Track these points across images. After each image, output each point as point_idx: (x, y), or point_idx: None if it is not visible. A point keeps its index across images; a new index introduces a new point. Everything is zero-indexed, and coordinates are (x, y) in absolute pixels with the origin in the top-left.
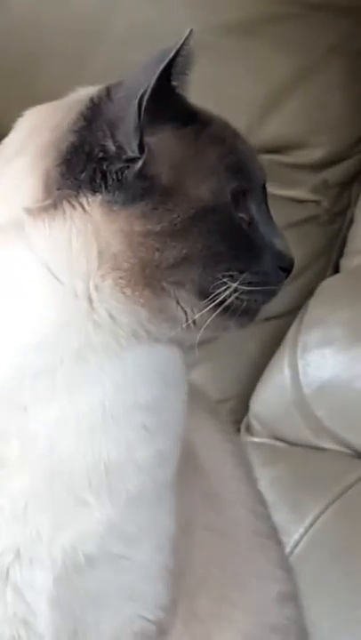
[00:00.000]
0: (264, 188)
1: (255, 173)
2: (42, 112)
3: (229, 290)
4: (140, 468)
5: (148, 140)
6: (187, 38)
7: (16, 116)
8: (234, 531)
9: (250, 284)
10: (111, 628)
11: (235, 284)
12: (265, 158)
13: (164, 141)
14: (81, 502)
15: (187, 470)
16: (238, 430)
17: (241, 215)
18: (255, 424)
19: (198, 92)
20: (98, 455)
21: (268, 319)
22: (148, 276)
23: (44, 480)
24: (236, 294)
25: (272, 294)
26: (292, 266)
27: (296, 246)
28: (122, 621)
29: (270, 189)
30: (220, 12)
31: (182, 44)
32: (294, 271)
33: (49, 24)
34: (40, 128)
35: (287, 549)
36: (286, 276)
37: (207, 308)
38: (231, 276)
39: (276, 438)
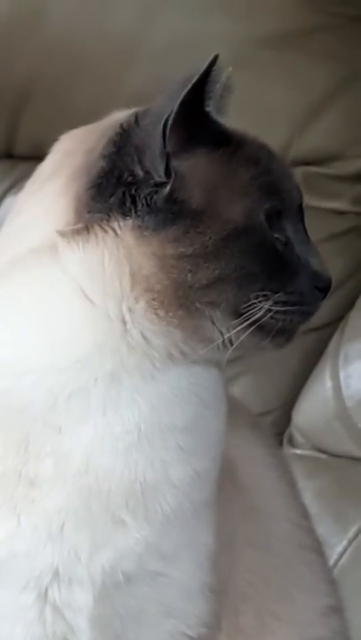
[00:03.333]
0: (301, 208)
1: (290, 194)
2: (76, 136)
3: (263, 310)
4: (176, 487)
5: (179, 164)
6: (211, 64)
7: (54, 137)
8: (277, 545)
9: (285, 303)
10: None
11: (268, 304)
12: (305, 170)
13: (195, 165)
14: (119, 522)
15: (227, 486)
16: (281, 442)
17: (276, 235)
18: (298, 436)
19: (239, 104)
20: (134, 476)
21: (309, 331)
22: (182, 297)
23: (81, 500)
24: (271, 314)
25: (308, 314)
26: (329, 285)
27: (337, 257)
28: (163, 638)
29: (311, 201)
30: (259, 25)
31: (206, 70)
32: (335, 283)
33: (86, 42)
34: (74, 152)
35: (331, 561)
36: (323, 297)
37: (241, 328)
38: (265, 295)
39: (319, 450)
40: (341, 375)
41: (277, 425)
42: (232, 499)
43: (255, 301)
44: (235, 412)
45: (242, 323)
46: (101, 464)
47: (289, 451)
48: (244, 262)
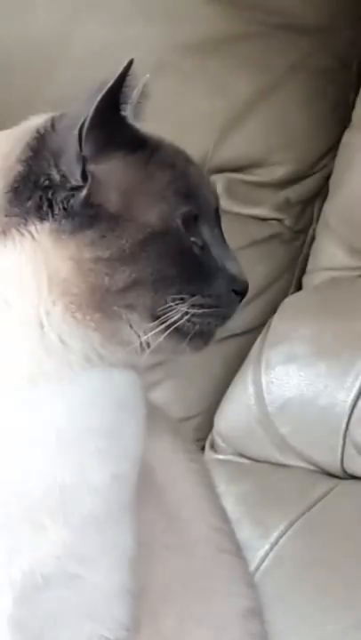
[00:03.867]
0: (217, 212)
1: (207, 198)
2: None
3: (180, 313)
4: (95, 490)
5: (95, 168)
6: (126, 69)
7: None
8: (196, 549)
9: (201, 306)
10: None
11: (185, 307)
12: (227, 177)
13: (111, 169)
14: (38, 525)
15: (144, 491)
16: (203, 448)
17: (193, 239)
18: (220, 441)
19: (160, 111)
20: (53, 479)
21: (231, 336)
22: (99, 301)
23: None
24: (187, 317)
25: (225, 317)
26: (245, 289)
27: (259, 264)
28: None
29: (233, 208)
30: (180, 32)
31: (122, 75)
32: (257, 289)
33: (6, 49)
34: None
35: (253, 566)
36: (240, 300)
37: (158, 331)
38: (182, 298)
39: (241, 455)
40: (263, 381)
41: (200, 430)
42: (149, 503)
43: (172, 304)
44: (154, 417)
45: (159, 326)
46: (20, 468)
47: (211, 456)
48: (161, 266)
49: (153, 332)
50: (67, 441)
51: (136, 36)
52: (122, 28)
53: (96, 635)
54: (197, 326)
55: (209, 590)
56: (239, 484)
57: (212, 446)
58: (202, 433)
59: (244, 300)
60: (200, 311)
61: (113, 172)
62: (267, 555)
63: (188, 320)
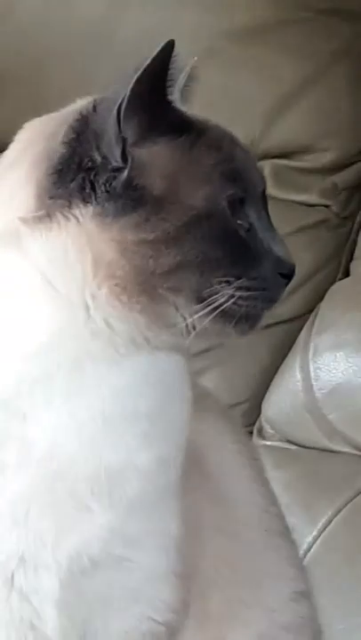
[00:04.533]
0: (264, 195)
1: (253, 180)
2: (40, 124)
3: (226, 295)
4: (140, 473)
5: (139, 151)
6: (163, 50)
7: (22, 124)
8: (245, 531)
9: (247, 289)
10: (120, 630)
11: (231, 290)
12: (275, 163)
13: (155, 153)
14: (84, 508)
15: (193, 474)
16: (251, 434)
17: (238, 222)
18: (267, 427)
19: (208, 97)
20: (98, 462)
21: (279, 323)
22: (144, 283)
23: (45, 486)
24: (233, 300)
25: (272, 301)
26: (292, 272)
27: (306, 250)
28: (130, 623)
29: (280, 194)
30: (228, 19)
31: (158, 55)
32: (305, 275)
33: (55, 33)
34: (37, 139)
35: (301, 552)
36: (287, 283)
37: (204, 313)
38: (228, 281)
39: (289, 441)
40: (311, 367)
41: (247, 417)
42: (199, 486)
43: (218, 287)
44: (203, 400)
45: (204, 308)
46: (65, 451)
47: (259, 442)
48: (206, 248)
49: (199, 315)
50: (112, 424)
51: (184, 22)
52: (170, 13)
53: (144, 617)
54: (243, 309)
55: (258, 573)
56: (287, 469)
57: (260, 432)
58: (249, 419)
59: (291, 286)
60: (246, 294)
61: (157, 155)
62: (315, 540)
63: (235, 303)
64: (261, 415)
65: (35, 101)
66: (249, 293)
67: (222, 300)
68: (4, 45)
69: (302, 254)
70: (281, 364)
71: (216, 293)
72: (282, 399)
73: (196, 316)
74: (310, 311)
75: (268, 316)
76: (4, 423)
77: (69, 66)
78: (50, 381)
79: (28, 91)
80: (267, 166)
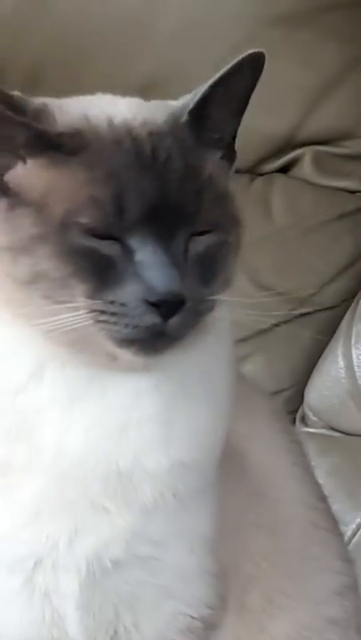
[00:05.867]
0: (159, 213)
1: (138, 201)
2: None
3: (77, 315)
4: (153, 477)
5: (17, 163)
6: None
7: None
8: (288, 527)
9: (102, 312)
10: (154, 627)
11: (83, 311)
12: (315, 150)
13: (34, 165)
14: (100, 509)
15: (235, 471)
16: (293, 421)
17: (92, 245)
18: (310, 415)
19: None
20: (107, 464)
21: (321, 310)
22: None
23: (56, 487)
24: (91, 320)
25: (137, 327)
26: (162, 300)
27: (348, 237)
28: (164, 620)
29: (321, 180)
30: (269, 4)
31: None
32: (347, 261)
33: (94, 27)
34: None
35: (345, 538)
36: (160, 311)
37: (54, 329)
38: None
39: (332, 428)
40: (354, 354)
41: (290, 403)
42: (240, 483)
43: (69, 306)
44: (245, 393)
45: (53, 323)
46: (75, 452)
47: (302, 429)
48: (57, 264)
49: (50, 330)
50: (120, 427)
51: (225, 10)
52: (211, 2)
53: (179, 613)
54: (105, 332)
55: (303, 567)
56: (330, 457)
57: (303, 419)
58: (292, 406)
59: (332, 272)
60: (102, 317)
61: (34, 168)
62: (359, 528)
63: (96, 323)
64: (304, 402)
65: (75, 88)
66: (105, 317)
67: (71, 317)
68: (46, 32)
69: (344, 240)
70: (323, 350)
71: (67, 312)
72: (325, 386)
73: (50, 330)
74: (353, 297)
75: (308, 303)
76: (14, 424)
77: (110, 53)
78: (61, 384)
79: (68, 77)
80: (308, 153)
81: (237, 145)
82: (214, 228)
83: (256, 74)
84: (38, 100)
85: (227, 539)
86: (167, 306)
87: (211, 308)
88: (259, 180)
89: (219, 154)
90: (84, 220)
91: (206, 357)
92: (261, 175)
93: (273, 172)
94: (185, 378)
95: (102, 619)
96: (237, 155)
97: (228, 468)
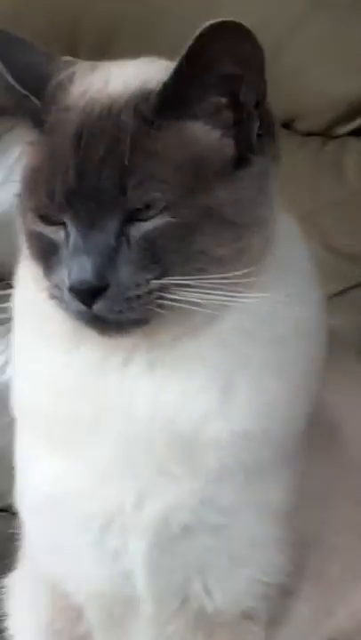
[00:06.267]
0: (78, 198)
1: (59, 187)
2: None
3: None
4: (217, 447)
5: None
6: None
7: None
8: None
9: (51, 293)
10: (227, 593)
11: (45, 292)
12: None
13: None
14: (167, 473)
15: (326, 443)
16: None
17: (37, 229)
18: None
19: (316, 49)
20: (172, 430)
21: None
22: None
23: (124, 448)
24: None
25: (69, 309)
26: (75, 289)
27: None
28: (239, 586)
29: None
30: None
31: None
32: None
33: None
34: None
35: None
36: (80, 299)
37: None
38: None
39: None
40: None
41: None
42: (331, 454)
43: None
44: (344, 364)
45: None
46: (142, 415)
47: None
48: (26, 244)
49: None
50: (184, 394)
51: None
52: None
53: (254, 579)
54: (62, 312)
55: None
56: None
57: None
58: None
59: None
60: (54, 300)
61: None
62: None
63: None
64: None
65: (149, 47)
66: (55, 300)
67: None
68: (116, 2)
69: None
70: None
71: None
72: None
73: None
74: None
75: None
76: (87, 383)
77: (184, 20)
78: (133, 354)
79: (142, 47)
80: None
81: (310, 108)
82: (162, 211)
83: (227, 43)
84: (69, 70)
85: (311, 509)
86: (80, 293)
87: (158, 291)
88: (332, 144)
89: (207, 127)
90: (29, 204)
91: (268, 328)
92: (334, 138)
93: (346, 134)
94: (243, 348)
95: (172, 582)
96: (310, 117)
97: (319, 440)
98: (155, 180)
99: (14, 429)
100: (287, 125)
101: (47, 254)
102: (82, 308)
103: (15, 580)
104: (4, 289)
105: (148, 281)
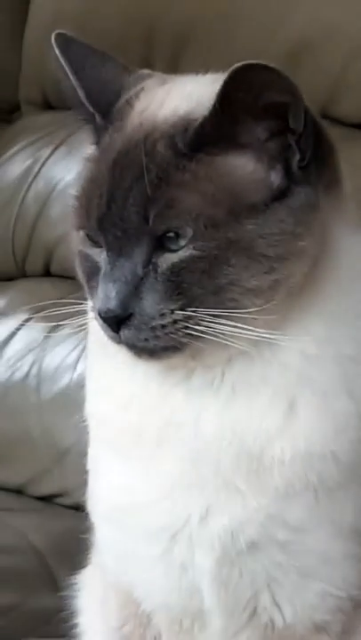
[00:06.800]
0: (104, 228)
1: (92, 212)
2: None
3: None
4: (282, 465)
5: None
6: None
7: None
8: None
9: (94, 313)
10: (298, 607)
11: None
12: None
13: None
14: (233, 489)
15: None
16: None
17: (87, 252)
18: None
19: None
20: (239, 446)
21: None
22: None
23: (190, 463)
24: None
25: (106, 332)
26: (104, 317)
27: None
28: (310, 600)
29: None
30: None
31: None
32: None
33: None
34: None
35: None
36: (109, 325)
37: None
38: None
39: None
40: None
41: None
42: None
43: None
44: None
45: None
46: (209, 431)
47: None
48: (77, 264)
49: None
50: (250, 413)
51: None
52: None
53: (326, 593)
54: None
55: None
56: None
57: None
58: None
59: None
60: (95, 317)
61: None
62: None
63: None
64: None
65: (224, 57)
66: (95, 318)
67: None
68: (194, 1)
69: None
70: None
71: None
72: None
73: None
74: None
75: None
76: (152, 395)
77: (259, 20)
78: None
79: (217, 47)
80: None
81: None
82: (189, 243)
83: (257, 83)
84: (138, 87)
85: None
86: (106, 321)
87: (183, 321)
88: None
89: (254, 158)
90: (74, 222)
91: (331, 349)
92: None
93: None
94: (305, 370)
95: (240, 596)
96: None
97: None
98: (176, 211)
99: (85, 428)
100: None
101: (91, 275)
102: (111, 333)
103: (87, 577)
104: None
105: (172, 311)
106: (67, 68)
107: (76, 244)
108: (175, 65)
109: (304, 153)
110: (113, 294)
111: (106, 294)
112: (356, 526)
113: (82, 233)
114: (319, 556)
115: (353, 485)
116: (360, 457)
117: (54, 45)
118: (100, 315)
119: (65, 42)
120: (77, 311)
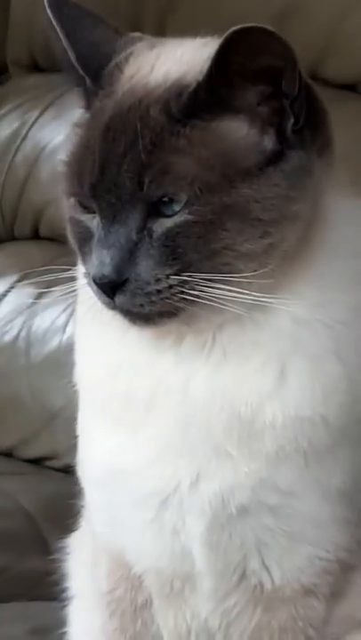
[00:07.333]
0: (100, 191)
1: (85, 178)
2: None
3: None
4: (273, 429)
5: None
6: None
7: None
8: None
9: (87, 279)
10: (286, 570)
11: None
12: None
13: None
14: (223, 454)
15: None
16: None
17: (78, 217)
18: None
19: None
20: (230, 411)
21: None
22: None
23: (180, 428)
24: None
25: (99, 298)
26: (99, 283)
27: None
28: (298, 563)
29: None
30: None
31: None
32: None
33: None
34: None
35: None
36: (103, 291)
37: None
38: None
39: None
40: None
41: None
42: None
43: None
44: None
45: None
46: (199, 396)
47: None
48: (68, 231)
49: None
50: (242, 377)
51: None
52: None
53: (314, 556)
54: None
55: None
56: None
57: None
58: None
59: None
60: (88, 283)
61: None
62: None
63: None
64: None
65: (208, 18)
66: (89, 284)
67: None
68: None
69: None
70: None
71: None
72: None
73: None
74: None
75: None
76: (142, 360)
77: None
78: (200, 338)
79: (203, 9)
80: None
81: None
82: (183, 208)
83: (254, 47)
84: (128, 51)
85: None
86: (101, 287)
87: (179, 286)
88: None
89: (247, 122)
90: (66, 188)
91: (323, 314)
92: None
93: None
94: (297, 334)
95: (230, 559)
96: None
97: None
98: (171, 177)
99: (75, 392)
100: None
101: (83, 241)
102: (106, 299)
103: (77, 541)
104: None
105: (167, 276)
106: (58, 30)
107: (66, 211)
108: (162, 30)
109: (298, 117)
110: (108, 260)
111: (100, 260)
112: (345, 490)
113: (73, 199)
114: (308, 519)
115: (342, 449)
116: (349, 420)
117: (46, 6)
118: (94, 281)
119: (57, 3)
120: (67, 277)
